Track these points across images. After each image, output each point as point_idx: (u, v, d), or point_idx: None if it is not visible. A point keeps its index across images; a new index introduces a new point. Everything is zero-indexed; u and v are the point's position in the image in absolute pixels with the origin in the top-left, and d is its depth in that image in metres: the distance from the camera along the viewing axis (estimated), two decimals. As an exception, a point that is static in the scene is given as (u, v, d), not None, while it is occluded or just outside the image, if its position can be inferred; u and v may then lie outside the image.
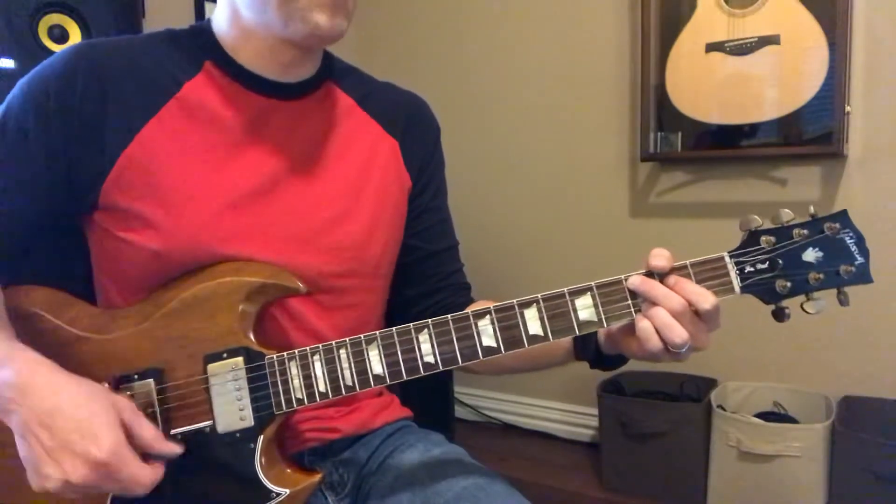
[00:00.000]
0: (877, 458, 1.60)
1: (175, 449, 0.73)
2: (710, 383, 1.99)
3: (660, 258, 0.70)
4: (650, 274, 0.71)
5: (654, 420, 1.88)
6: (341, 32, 0.79)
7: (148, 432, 0.70)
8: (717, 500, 1.84)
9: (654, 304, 0.69)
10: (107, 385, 0.73)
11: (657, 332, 0.69)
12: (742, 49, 1.83)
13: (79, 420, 0.65)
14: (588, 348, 0.81)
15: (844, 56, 1.75)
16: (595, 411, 2.09)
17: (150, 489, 0.69)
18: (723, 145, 2.00)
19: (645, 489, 1.92)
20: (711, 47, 1.87)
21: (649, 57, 2.03)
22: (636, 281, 0.71)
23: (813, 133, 1.87)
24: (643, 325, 0.70)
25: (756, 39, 1.82)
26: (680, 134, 2.05)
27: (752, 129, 1.94)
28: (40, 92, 0.77)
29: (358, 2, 0.82)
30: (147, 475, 0.68)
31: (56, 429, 0.65)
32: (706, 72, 1.89)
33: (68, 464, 0.64)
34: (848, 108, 1.79)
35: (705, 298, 0.69)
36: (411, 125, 0.95)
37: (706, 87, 1.90)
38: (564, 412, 2.36)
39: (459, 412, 2.47)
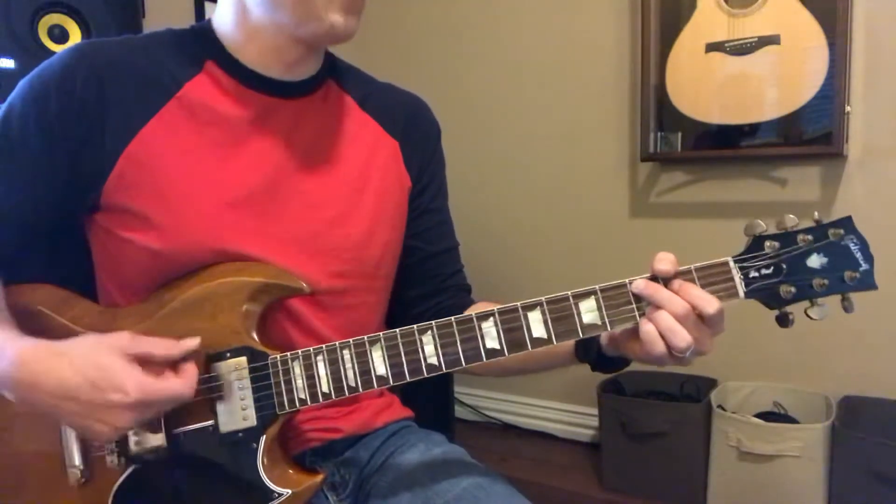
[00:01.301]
0: (877, 458, 1.60)
1: (191, 344, 0.74)
2: (710, 383, 1.99)
3: (664, 262, 0.70)
4: (654, 278, 0.71)
5: (654, 420, 1.88)
6: (354, 32, 0.79)
7: (158, 349, 0.72)
8: (717, 500, 1.84)
9: (658, 307, 0.69)
10: None
11: (661, 336, 0.69)
12: (742, 49, 1.83)
13: (91, 379, 0.67)
14: (590, 351, 0.81)
15: (844, 56, 1.75)
16: (595, 411, 2.09)
17: (193, 392, 0.71)
18: (723, 145, 2.00)
19: (645, 489, 1.92)
20: (711, 47, 1.87)
21: (649, 57, 2.03)
22: (640, 284, 0.71)
23: (813, 133, 1.87)
24: (647, 328, 0.70)
25: (756, 39, 1.82)
26: (680, 134, 2.05)
27: (752, 129, 1.94)
28: (41, 92, 0.77)
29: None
30: (183, 385, 0.71)
31: (76, 397, 0.67)
32: (706, 72, 1.89)
33: (110, 417, 0.67)
34: (848, 108, 1.79)
35: (710, 303, 0.69)
36: (411, 126, 0.95)
37: (706, 87, 1.90)
38: (564, 412, 2.36)
39: (459, 412, 2.47)
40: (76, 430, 0.73)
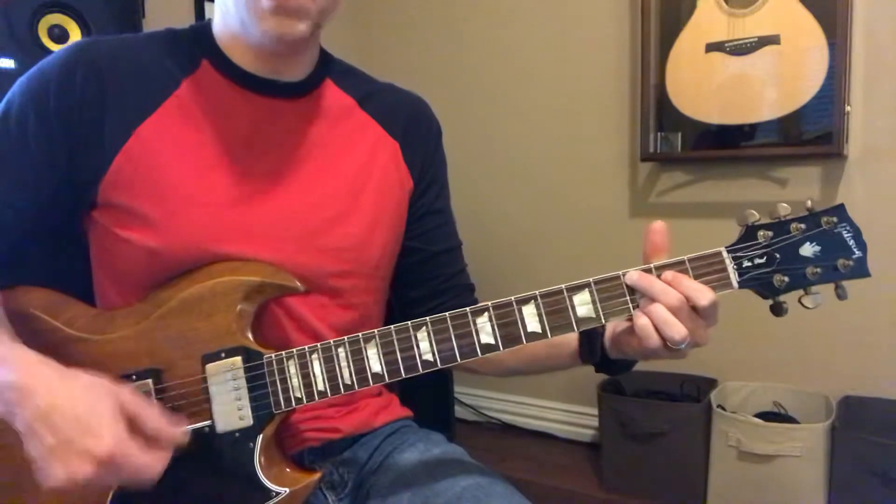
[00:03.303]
0: (877, 458, 1.60)
1: (181, 438, 0.71)
2: (710, 383, 1.99)
3: (656, 231, 0.71)
4: (648, 270, 0.71)
5: (654, 420, 1.88)
6: (297, 35, 0.77)
7: (151, 421, 0.69)
8: (717, 500, 1.84)
9: (652, 300, 0.69)
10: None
11: (656, 328, 0.69)
12: (742, 49, 1.83)
13: (77, 416, 0.65)
14: (594, 352, 0.81)
15: (844, 56, 1.75)
16: (595, 411, 2.09)
17: (157, 478, 0.68)
18: (723, 145, 2.00)
19: (645, 489, 1.92)
20: (711, 47, 1.87)
21: (649, 57, 2.03)
22: (634, 276, 0.71)
23: (813, 133, 1.87)
24: (642, 322, 0.70)
25: (756, 39, 1.82)
26: (680, 134, 2.06)
27: (752, 130, 1.94)
28: (40, 89, 0.77)
29: (336, 5, 0.81)
30: (153, 464, 0.67)
31: (56, 427, 0.65)
32: (706, 72, 1.89)
33: (73, 462, 0.64)
34: (848, 108, 1.79)
35: (703, 294, 0.69)
36: (412, 126, 0.95)
37: (706, 88, 1.90)
38: (564, 412, 2.36)
39: (459, 412, 2.47)
40: (33, 461, 0.67)
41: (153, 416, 0.70)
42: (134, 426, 0.68)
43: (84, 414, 0.65)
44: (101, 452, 0.64)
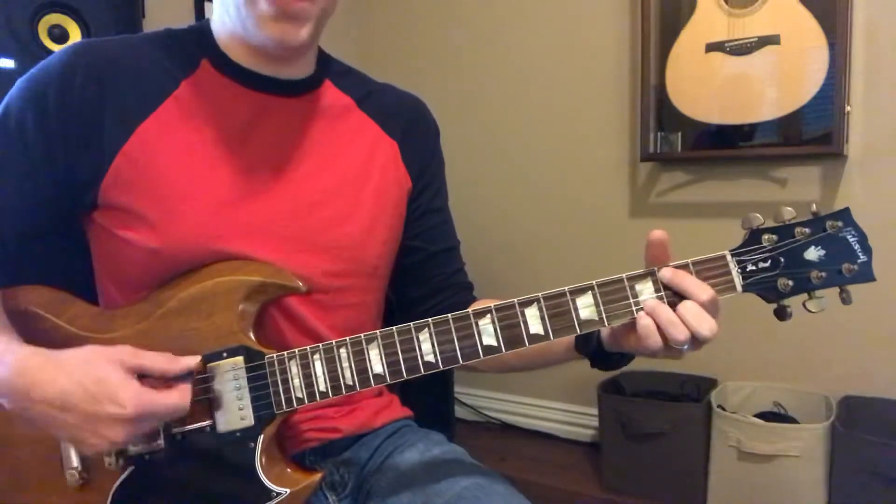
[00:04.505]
0: (877, 458, 1.60)
1: (191, 363, 0.73)
2: (710, 383, 1.99)
3: (656, 234, 0.72)
4: (651, 272, 0.71)
5: (654, 420, 1.88)
6: (299, 41, 0.78)
7: (157, 364, 0.71)
8: (717, 500, 1.84)
9: (683, 297, 0.69)
10: None
11: (659, 329, 0.69)
12: (742, 49, 1.83)
13: (88, 390, 0.66)
14: (589, 344, 0.81)
15: (844, 56, 1.75)
16: (595, 411, 2.09)
17: (188, 407, 0.71)
18: (723, 145, 2.00)
19: (645, 489, 1.92)
20: (711, 47, 1.87)
21: (649, 57, 2.03)
22: (668, 273, 0.71)
23: (813, 133, 1.87)
24: (645, 322, 0.70)
25: (756, 39, 1.82)
26: (680, 134, 2.05)
27: (752, 130, 1.94)
28: (39, 90, 0.77)
29: (335, 4, 0.81)
30: (180, 397, 0.70)
31: (73, 408, 0.66)
32: (706, 72, 1.89)
33: (106, 430, 0.66)
34: (848, 108, 1.79)
35: (704, 290, 0.69)
36: (411, 126, 0.95)
37: (706, 87, 1.90)
38: (564, 412, 2.36)
39: (459, 412, 2.47)
40: (71, 444, 0.73)
41: (157, 359, 0.72)
42: (143, 376, 0.70)
43: (94, 387, 0.67)
44: (127, 414, 0.66)
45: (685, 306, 0.69)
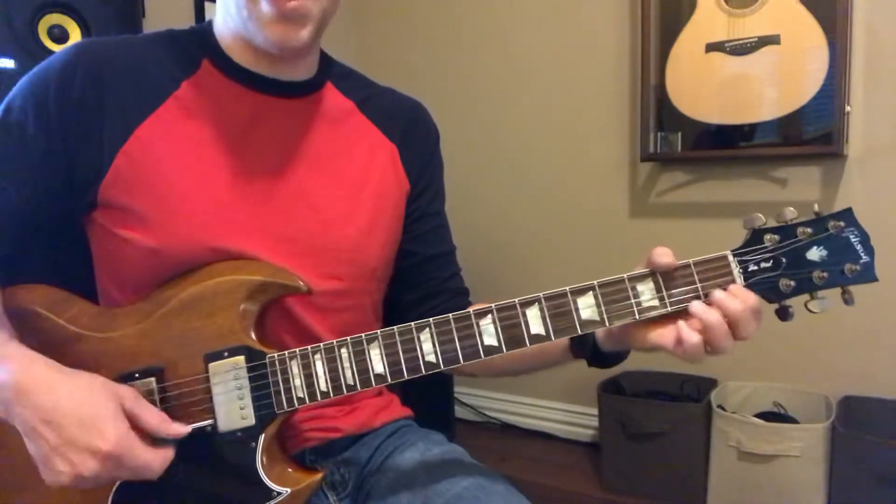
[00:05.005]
0: (877, 458, 1.60)
1: (181, 430, 0.73)
2: (710, 383, 1.99)
3: (665, 256, 0.70)
4: (653, 272, 0.71)
5: (654, 420, 1.88)
6: (300, 42, 0.78)
7: (152, 418, 0.71)
8: (717, 500, 1.84)
9: (725, 315, 0.69)
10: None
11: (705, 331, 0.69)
12: (742, 49, 1.83)
13: (80, 415, 0.66)
14: (585, 345, 0.81)
15: (844, 56, 1.75)
16: (595, 411, 2.09)
17: (161, 473, 0.70)
18: (723, 145, 2.00)
19: (645, 489, 1.92)
20: (711, 47, 1.87)
21: (649, 57, 2.03)
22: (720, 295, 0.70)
23: (813, 133, 1.87)
24: (712, 318, 0.69)
25: (756, 39, 1.82)
26: (680, 134, 2.06)
27: (752, 130, 1.94)
28: (40, 90, 0.77)
29: (337, 5, 0.81)
30: (156, 459, 0.69)
31: (59, 426, 0.65)
32: (706, 72, 1.89)
33: (77, 459, 0.65)
34: (848, 108, 1.79)
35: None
36: (410, 130, 0.95)
37: (706, 87, 1.90)
38: (564, 412, 2.36)
39: (459, 412, 2.47)
40: (38, 463, 0.68)
41: (153, 414, 0.71)
42: (135, 425, 0.69)
43: (87, 413, 0.66)
44: (105, 449, 0.65)
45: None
